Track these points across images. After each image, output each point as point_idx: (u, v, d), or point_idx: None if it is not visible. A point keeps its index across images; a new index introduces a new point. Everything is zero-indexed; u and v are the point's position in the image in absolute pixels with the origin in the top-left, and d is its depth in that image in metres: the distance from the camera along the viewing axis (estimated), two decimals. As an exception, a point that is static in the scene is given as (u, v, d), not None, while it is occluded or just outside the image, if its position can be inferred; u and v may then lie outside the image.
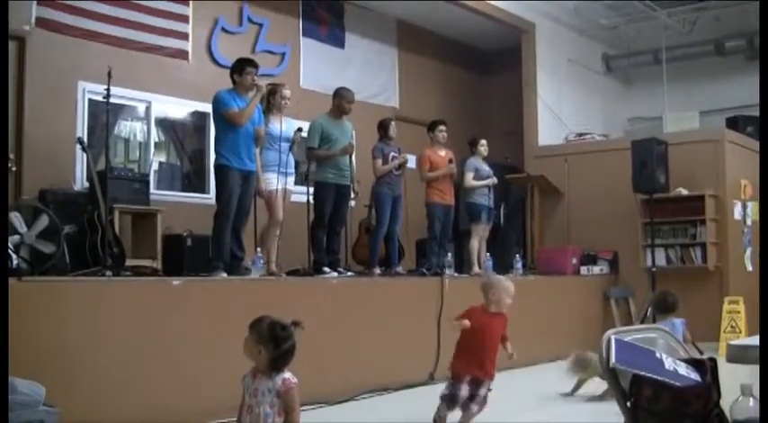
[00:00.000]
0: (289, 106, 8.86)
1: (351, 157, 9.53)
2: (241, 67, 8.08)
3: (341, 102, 9.36)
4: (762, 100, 7.72)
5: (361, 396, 7.82)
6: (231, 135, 7.86)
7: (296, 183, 9.26)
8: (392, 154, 9.98)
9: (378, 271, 9.76)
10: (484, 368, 6.24)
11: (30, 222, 7.21)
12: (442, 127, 10.62)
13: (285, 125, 8.69)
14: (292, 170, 8.93)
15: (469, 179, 10.93)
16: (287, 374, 4.05)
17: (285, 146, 8.63)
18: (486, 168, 11.08)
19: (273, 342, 4.04)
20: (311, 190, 9.12)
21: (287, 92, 8.82)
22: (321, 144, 9.16)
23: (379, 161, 9.93)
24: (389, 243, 10.02)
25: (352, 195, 9.73)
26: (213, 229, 7.85)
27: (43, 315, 5.77)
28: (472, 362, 6.23)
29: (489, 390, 6.26)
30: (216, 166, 7.96)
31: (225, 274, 7.62)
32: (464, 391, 6.14)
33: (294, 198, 9.30)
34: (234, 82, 8.08)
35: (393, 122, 10.28)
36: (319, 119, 9.30)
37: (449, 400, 6.17)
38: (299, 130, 8.75)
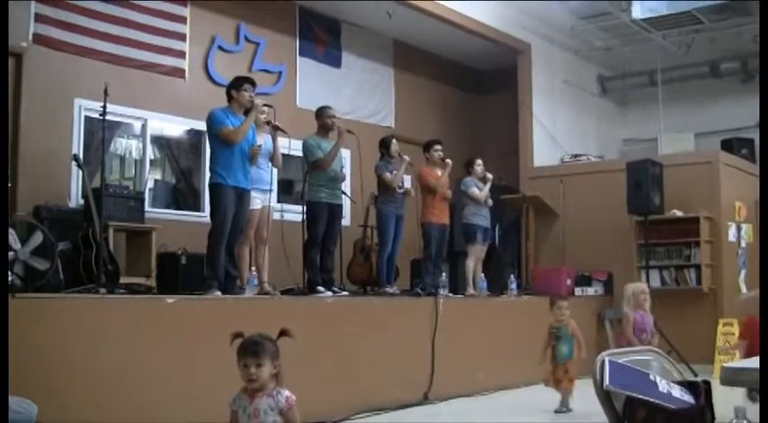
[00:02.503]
0: (263, 120, 8.67)
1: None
2: (239, 84, 8.07)
3: (323, 118, 9.36)
4: (762, 107, 7.71)
5: (356, 416, 7.80)
6: (226, 153, 7.84)
7: (288, 202, 9.21)
8: (394, 172, 9.99)
9: (391, 290, 9.82)
10: None
11: (24, 239, 7.19)
12: (437, 146, 10.63)
13: (266, 142, 8.60)
14: (273, 188, 8.92)
15: (475, 191, 10.97)
16: (287, 392, 4.06)
17: (266, 163, 8.62)
18: (483, 186, 11.10)
19: (278, 355, 4.09)
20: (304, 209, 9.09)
21: (264, 107, 8.65)
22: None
23: (387, 174, 9.94)
24: (388, 262, 10.02)
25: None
26: (207, 248, 7.81)
27: (36, 332, 5.75)
28: None
29: None
30: (210, 185, 7.94)
31: (219, 293, 7.59)
32: None
33: (289, 217, 9.30)
34: (230, 99, 8.07)
35: (394, 140, 10.30)
36: (310, 137, 9.27)
37: None
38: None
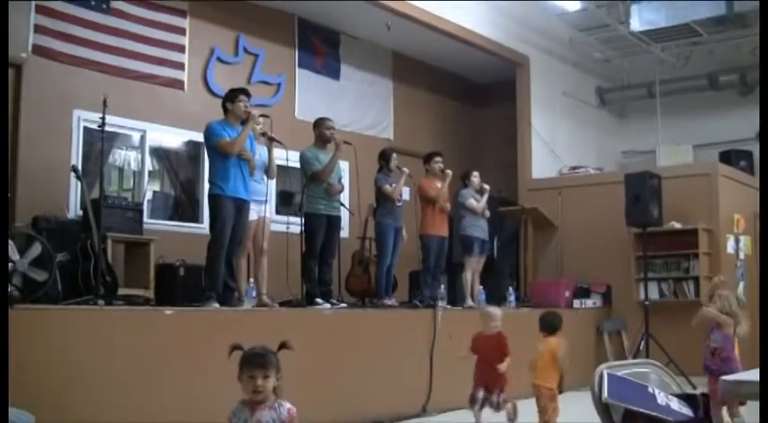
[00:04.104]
0: (259, 131, 8.68)
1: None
2: (233, 96, 8.10)
3: (321, 130, 9.36)
4: (762, 116, 7.70)
5: (353, 428, 7.80)
6: (224, 165, 7.85)
7: (287, 214, 9.22)
8: (393, 184, 10.00)
9: (390, 302, 9.81)
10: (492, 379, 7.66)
11: (22, 250, 7.18)
12: (438, 158, 10.64)
13: (261, 154, 8.64)
14: (268, 199, 8.95)
15: (473, 202, 10.97)
16: (288, 404, 4.06)
17: (261, 175, 8.63)
18: (480, 198, 11.10)
19: (280, 367, 4.09)
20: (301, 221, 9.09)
21: (261, 117, 8.67)
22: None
23: (387, 186, 9.94)
24: (386, 274, 10.01)
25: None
26: (206, 259, 7.81)
27: (34, 343, 5.74)
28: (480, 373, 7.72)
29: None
30: (210, 196, 7.95)
31: (217, 305, 7.58)
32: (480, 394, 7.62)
33: (288, 229, 9.30)
34: (225, 111, 8.09)
35: (395, 154, 10.31)
36: (308, 149, 9.28)
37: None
38: None
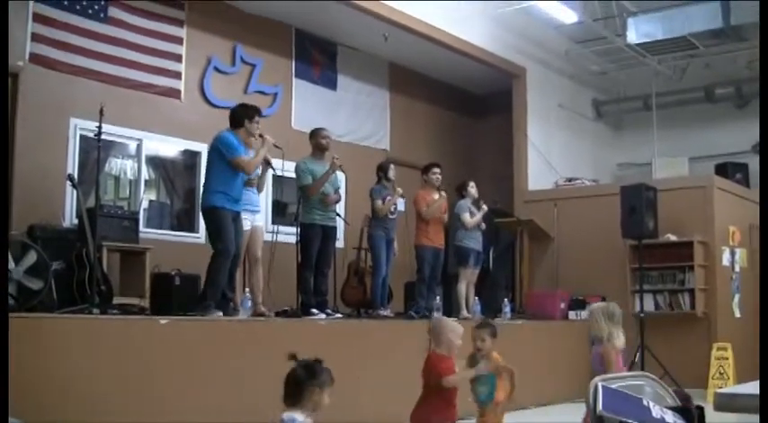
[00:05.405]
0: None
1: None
2: (251, 115, 8.12)
3: (317, 139, 9.39)
4: (762, 123, 7.68)
5: (348, 439, 7.76)
6: (232, 178, 7.85)
7: (282, 224, 9.25)
8: (388, 197, 10.00)
9: (385, 313, 9.81)
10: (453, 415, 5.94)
11: (18, 258, 7.17)
12: (436, 170, 10.63)
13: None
14: (260, 208, 8.99)
15: (468, 217, 10.93)
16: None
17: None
18: (476, 212, 11.09)
19: None
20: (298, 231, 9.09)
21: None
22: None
23: (379, 202, 9.95)
24: (381, 284, 9.99)
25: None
26: (210, 269, 7.75)
27: (29, 352, 5.72)
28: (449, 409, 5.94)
29: None
30: (211, 207, 7.86)
31: (220, 313, 7.56)
32: None
33: (283, 239, 9.30)
34: (236, 125, 8.07)
35: (392, 165, 10.32)
36: (303, 160, 9.29)
37: None
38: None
